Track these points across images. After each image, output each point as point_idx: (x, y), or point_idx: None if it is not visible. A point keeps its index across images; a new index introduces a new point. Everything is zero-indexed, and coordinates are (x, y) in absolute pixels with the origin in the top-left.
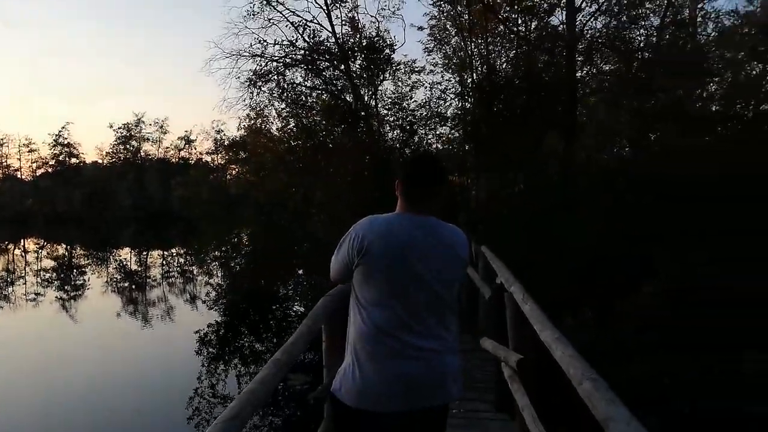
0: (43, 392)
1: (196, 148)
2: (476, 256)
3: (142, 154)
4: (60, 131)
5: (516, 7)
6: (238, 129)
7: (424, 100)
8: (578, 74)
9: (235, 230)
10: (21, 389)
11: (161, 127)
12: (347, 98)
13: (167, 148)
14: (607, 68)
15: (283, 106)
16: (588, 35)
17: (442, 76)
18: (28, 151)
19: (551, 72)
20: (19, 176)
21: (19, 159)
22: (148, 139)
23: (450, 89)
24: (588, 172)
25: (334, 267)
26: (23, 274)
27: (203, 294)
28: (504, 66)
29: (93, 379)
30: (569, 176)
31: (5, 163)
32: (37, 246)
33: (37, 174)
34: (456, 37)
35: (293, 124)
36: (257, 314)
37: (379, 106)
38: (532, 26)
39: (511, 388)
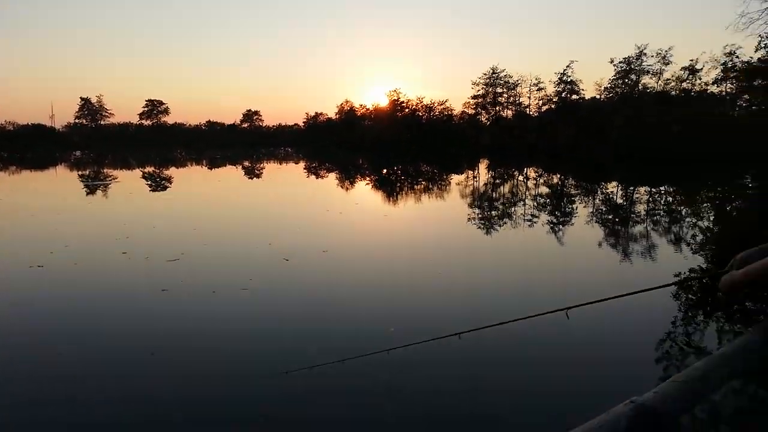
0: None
1: (701, 79)
2: None
3: (640, 87)
4: (564, 70)
5: None
6: (756, 50)
7: None
8: None
9: (740, 172)
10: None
11: (663, 57)
12: None
13: (668, 80)
14: None
15: None
16: None
17: None
18: (537, 90)
19: None
20: (528, 112)
21: (529, 97)
22: (647, 72)
23: None
24: None
25: None
26: (523, 198)
27: (688, 236)
28: None
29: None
30: None
31: (517, 101)
32: (537, 174)
33: (542, 110)
34: None
35: None
36: None
37: None
38: None
39: None
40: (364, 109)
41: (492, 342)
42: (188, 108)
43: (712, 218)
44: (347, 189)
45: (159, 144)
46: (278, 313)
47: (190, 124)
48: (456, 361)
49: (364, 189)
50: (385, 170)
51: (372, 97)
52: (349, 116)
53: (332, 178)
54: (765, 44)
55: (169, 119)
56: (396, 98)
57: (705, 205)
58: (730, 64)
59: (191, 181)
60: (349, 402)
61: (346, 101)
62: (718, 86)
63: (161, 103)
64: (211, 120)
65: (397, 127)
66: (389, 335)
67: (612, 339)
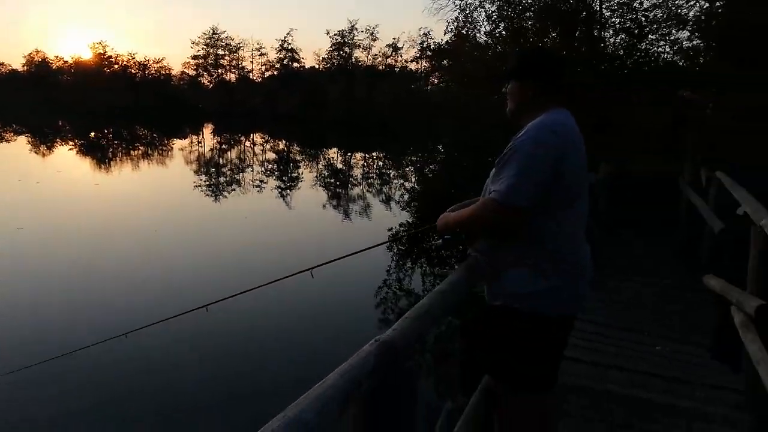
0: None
1: (402, 56)
2: (708, 181)
3: (353, 60)
4: (285, 37)
5: None
6: (445, 33)
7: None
8: None
9: (433, 141)
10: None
11: (371, 34)
12: None
13: (375, 55)
14: None
15: (494, 8)
16: None
17: None
18: (259, 55)
19: None
20: (251, 77)
21: (252, 62)
22: (359, 46)
23: None
24: None
25: (522, 188)
26: (251, 164)
27: (397, 196)
28: None
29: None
30: None
31: (240, 65)
32: (263, 140)
33: (265, 76)
34: None
35: (502, 28)
36: None
37: (604, 6)
38: None
39: (743, 338)
40: (62, 62)
41: (243, 310)
42: None
43: (414, 180)
44: (44, 155)
45: None
46: None
47: None
48: (205, 334)
49: (67, 155)
50: (93, 133)
51: (74, 48)
52: (41, 69)
53: (23, 142)
54: (451, 29)
55: None
56: (102, 52)
57: (409, 168)
58: (425, 45)
59: None
60: (87, 395)
61: (37, 51)
62: (416, 64)
63: None
64: None
65: (105, 84)
66: (123, 320)
67: (354, 291)
